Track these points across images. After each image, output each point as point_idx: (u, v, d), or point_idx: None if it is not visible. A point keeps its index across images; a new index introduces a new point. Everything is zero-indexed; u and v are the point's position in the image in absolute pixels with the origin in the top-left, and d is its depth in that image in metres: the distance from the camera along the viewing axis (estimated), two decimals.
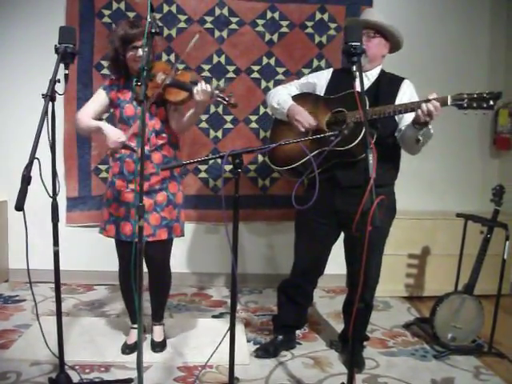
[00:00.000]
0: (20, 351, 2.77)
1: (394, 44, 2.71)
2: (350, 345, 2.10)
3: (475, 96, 2.24)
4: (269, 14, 3.87)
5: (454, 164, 4.15)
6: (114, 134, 2.55)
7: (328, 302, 3.81)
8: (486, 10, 4.07)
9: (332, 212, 2.69)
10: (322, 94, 2.77)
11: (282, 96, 2.80)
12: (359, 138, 2.41)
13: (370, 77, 2.68)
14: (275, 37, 3.91)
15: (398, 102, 2.59)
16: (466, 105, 2.26)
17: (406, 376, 2.70)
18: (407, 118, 2.51)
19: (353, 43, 2.01)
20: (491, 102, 2.22)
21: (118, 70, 2.68)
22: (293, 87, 2.89)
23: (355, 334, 2.11)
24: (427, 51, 4.00)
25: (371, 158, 1.85)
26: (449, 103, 2.29)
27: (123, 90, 2.68)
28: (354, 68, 2.01)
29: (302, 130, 2.66)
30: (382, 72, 2.73)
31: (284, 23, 3.88)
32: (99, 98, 2.72)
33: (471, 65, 4.09)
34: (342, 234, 2.85)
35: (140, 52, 2.52)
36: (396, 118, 2.58)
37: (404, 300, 3.91)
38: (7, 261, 4.01)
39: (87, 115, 2.67)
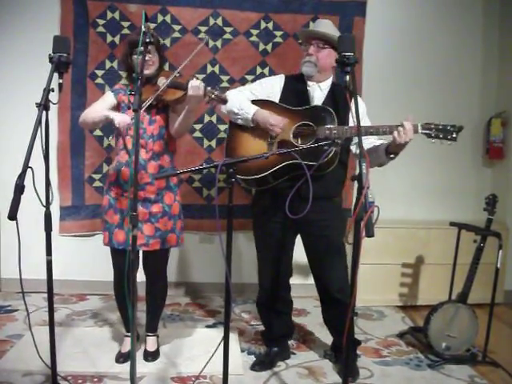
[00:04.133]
0: (12, 362, 2.75)
1: None
2: (344, 353, 2.09)
3: (440, 127, 2.35)
4: (263, 24, 3.89)
5: (448, 173, 4.16)
6: (121, 116, 2.55)
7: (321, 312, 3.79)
8: (478, 22, 4.10)
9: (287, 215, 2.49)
10: (276, 102, 2.72)
11: (242, 101, 2.68)
12: (331, 154, 2.39)
13: (323, 88, 2.69)
14: (269, 47, 3.92)
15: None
16: (433, 134, 2.36)
17: None
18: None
19: (346, 53, 2.03)
20: (454, 135, 2.36)
21: (129, 75, 2.72)
22: (247, 92, 2.78)
23: (346, 341, 2.08)
24: (420, 64, 4.03)
25: (365, 168, 1.86)
26: (419, 131, 2.37)
27: (128, 95, 2.70)
28: (347, 78, 2.03)
29: (278, 133, 2.58)
30: (333, 83, 2.74)
31: (278, 33, 3.90)
32: (107, 99, 2.74)
33: (464, 75, 4.12)
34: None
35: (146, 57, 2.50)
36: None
37: (398, 309, 3.91)
38: None
39: (94, 110, 2.66)
